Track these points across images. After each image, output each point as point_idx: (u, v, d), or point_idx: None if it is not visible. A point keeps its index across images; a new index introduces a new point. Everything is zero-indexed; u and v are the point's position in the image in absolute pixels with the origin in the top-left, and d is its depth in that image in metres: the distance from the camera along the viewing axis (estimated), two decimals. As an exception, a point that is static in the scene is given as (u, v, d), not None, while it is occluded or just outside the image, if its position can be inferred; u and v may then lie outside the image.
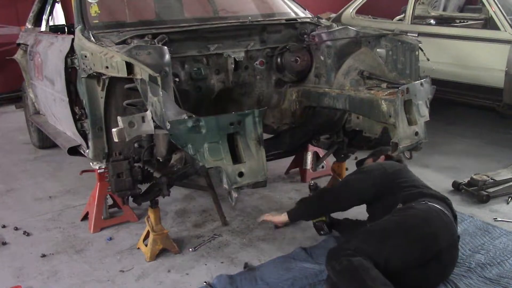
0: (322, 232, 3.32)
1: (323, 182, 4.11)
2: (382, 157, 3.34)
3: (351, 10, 6.49)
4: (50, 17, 4.77)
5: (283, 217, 3.27)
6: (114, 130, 2.51)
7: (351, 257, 2.50)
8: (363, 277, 2.42)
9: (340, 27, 3.43)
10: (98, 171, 3.49)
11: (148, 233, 3.25)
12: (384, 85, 3.08)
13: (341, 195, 3.13)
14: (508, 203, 3.81)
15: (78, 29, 3.18)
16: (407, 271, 2.58)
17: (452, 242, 2.72)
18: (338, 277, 2.54)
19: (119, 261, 3.21)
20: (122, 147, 3.00)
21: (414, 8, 5.86)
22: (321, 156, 4.36)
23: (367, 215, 3.14)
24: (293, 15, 3.80)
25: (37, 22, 5.02)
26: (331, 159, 3.99)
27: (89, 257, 3.27)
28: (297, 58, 3.40)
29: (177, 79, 3.04)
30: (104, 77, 2.88)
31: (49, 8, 4.70)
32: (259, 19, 3.53)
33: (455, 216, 2.87)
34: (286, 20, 3.63)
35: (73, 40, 3.16)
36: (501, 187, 3.91)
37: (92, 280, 3.02)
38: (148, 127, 2.53)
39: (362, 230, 2.82)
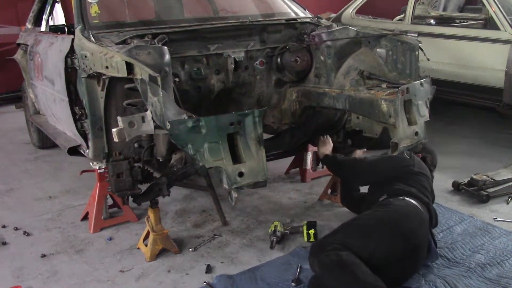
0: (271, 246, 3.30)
1: (323, 182, 4.11)
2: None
3: (351, 10, 6.49)
4: (50, 17, 4.77)
5: (322, 153, 3.48)
6: (114, 130, 2.51)
7: (339, 251, 2.52)
8: (355, 272, 2.44)
9: (340, 27, 3.43)
10: (98, 171, 3.49)
11: (148, 233, 3.25)
12: (384, 85, 3.08)
13: (363, 171, 3.27)
14: (508, 203, 3.81)
15: (78, 29, 3.18)
16: (388, 265, 2.60)
17: (427, 239, 2.79)
18: (326, 271, 2.54)
19: (119, 261, 3.21)
20: (122, 147, 3.00)
21: (414, 8, 5.86)
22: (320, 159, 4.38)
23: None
24: (293, 15, 3.80)
25: (37, 22, 5.02)
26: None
27: (89, 257, 3.27)
28: (297, 58, 3.40)
29: (177, 79, 3.04)
30: (104, 77, 2.88)
31: (49, 8, 4.69)
32: (259, 19, 3.53)
33: (435, 223, 3.01)
34: (286, 20, 3.63)
35: (73, 40, 3.17)
36: (501, 187, 3.91)
37: (92, 280, 3.01)
38: (148, 127, 2.53)
39: (345, 224, 2.86)
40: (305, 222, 3.39)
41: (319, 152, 3.53)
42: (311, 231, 3.32)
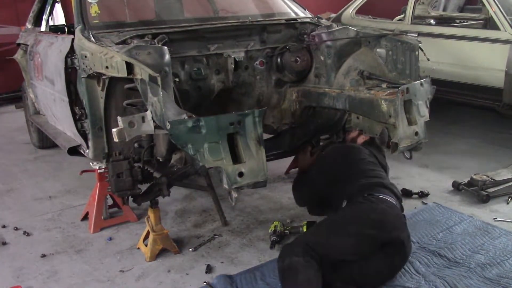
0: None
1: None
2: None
3: (351, 10, 6.49)
4: (50, 17, 4.77)
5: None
6: (114, 130, 2.51)
7: (295, 256, 2.57)
8: (295, 280, 2.51)
9: (340, 27, 3.43)
10: (98, 171, 3.49)
11: (148, 233, 3.25)
12: (384, 85, 3.08)
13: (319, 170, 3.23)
14: (508, 203, 3.81)
15: (78, 29, 3.18)
16: (370, 261, 2.63)
17: (407, 235, 2.79)
18: (279, 274, 2.65)
19: (119, 261, 3.21)
20: (122, 147, 3.00)
21: (414, 8, 5.86)
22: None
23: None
24: (293, 15, 3.80)
25: (37, 22, 5.02)
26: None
27: (89, 257, 3.27)
28: (297, 58, 3.40)
29: (177, 79, 3.04)
30: (104, 77, 2.88)
31: (49, 8, 4.69)
32: (259, 19, 3.53)
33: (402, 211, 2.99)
34: (286, 20, 3.63)
35: (73, 40, 3.17)
36: (501, 187, 3.91)
37: (92, 280, 3.02)
38: (148, 127, 2.53)
39: (316, 224, 2.92)
40: (305, 222, 3.39)
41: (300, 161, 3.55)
42: None
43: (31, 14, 5.16)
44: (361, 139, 3.35)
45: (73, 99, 3.26)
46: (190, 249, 3.29)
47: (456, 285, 2.75)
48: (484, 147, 5.17)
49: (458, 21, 6.43)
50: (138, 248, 3.33)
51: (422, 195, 3.95)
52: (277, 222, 3.41)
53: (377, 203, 2.78)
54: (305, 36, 3.47)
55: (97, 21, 3.32)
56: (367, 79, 3.21)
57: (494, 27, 4.99)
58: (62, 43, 3.38)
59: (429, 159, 4.67)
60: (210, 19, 3.65)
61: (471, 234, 3.33)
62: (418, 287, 2.77)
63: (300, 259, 2.55)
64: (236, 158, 2.37)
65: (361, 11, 6.60)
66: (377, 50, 3.36)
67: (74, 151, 3.55)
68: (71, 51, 3.16)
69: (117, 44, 2.91)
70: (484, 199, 3.81)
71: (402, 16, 6.34)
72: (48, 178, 4.77)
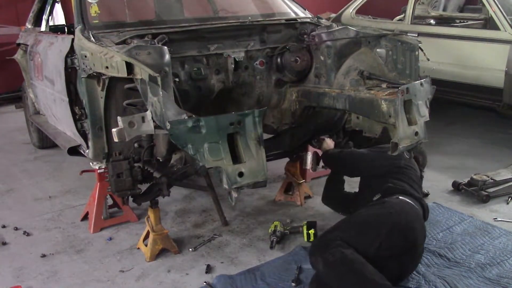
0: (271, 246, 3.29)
1: (322, 182, 4.10)
2: None
3: (351, 10, 6.49)
4: (50, 17, 4.77)
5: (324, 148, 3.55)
6: (114, 130, 2.51)
7: (343, 249, 2.51)
8: (361, 270, 2.44)
9: (340, 27, 3.42)
10: (98, 171, 3.49)
11: (148, 233, 3.25)
12: (384, 85, 3.08)
13: (359, 164, 3.31)
14: (508, 203, 3.81)
15: (78, 29, 3.18)
16: (386, 262, 2.61)
17: (424, 235, 2.82)
18: (331, 269, 2.52)
19: (119, 261, 3.21)
20: (122, 147, 3.00)
21: (414, 8, 5.86)
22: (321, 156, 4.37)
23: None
24: (293, 15, 3.79)
25: (37, 22, 5.02)
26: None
27: (89, 257, 3.27)
28: (297, 58, 3.40)
29: (177, 79, 3.04)
30: (104, 77, 2.87)
31: (49, 8, 4.69)
32: (259, 19, 3.53)
33: (426, 217, 3.01)
34: (286, 20, 3.63)
35: (73, 40, 3.16)
36: (501, 187, 3.91)
37: (92, 280, 3.02)
38: (148, 127, 2.53)
39: (342, 222, 2.86)
40: (305, 222, 3.40)
41: (322, 148, 3.58)
42: (311, 231, 3.32)
43: (31, 14, 5.15)
44: None
45: (73, 99, 3.25)
46: (190, 249, 3.29)
47: (456, 285, 2.75)
48: (484, 147, 5.17)
49: (458, 21, 6.43)
50: (138, 248, 3.33)
51: (423, 195, 3.95)
52: (277, 222, 3.41)
53: (409, 209, 2.80)
54: (305, 36, 3.47)
55: (97, 21, 3.31)
56: (367, 79, 3.21)
57: (494, 27, 4.99)
58: (62, 43, 3.38)
59: (429, 159, 4.66)
60: (210, 19, 3.64)
61: (471, 234, 3.33)
62: (418, 287, 2.77)
63: (349, 250, 2.51)
64: (236, 158, 2.37)
65: (361, 11, 6.60)
66: (377, 50, 3.35)
67: (74, 151, 3.55)
68: (71, 51, 3.16)
69: (117, 44, 2.91)
70: (484, 199, 3.81)
71: (402, 16, 6.34)
72: (48, 178, 4.77)
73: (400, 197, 2.88)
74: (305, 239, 3.33)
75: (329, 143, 3.59)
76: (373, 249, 2.57)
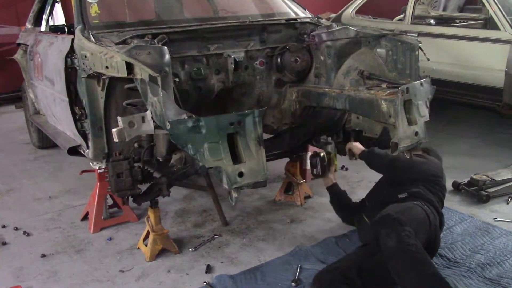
0: (314, 171, 3.35)
1: (322, 182, 4.10)
2: None
3: (351, 10, 6.49)
4: (50, 17, 4.77)
5: (358, 150, 3.37)
6: (114, 130, 2.51)
7: (415, 239, 2.45)
8: (434, 266, 2.43)
9: (340, 27, 3.42)
10: (98, 171, 3.49)
11: (148, 233, 3.25)
12: (384, 85, 3.08)
13: (401, 167, 3.15)
14: (508, 203, 3.81)
15: (78, 29, 3.18)
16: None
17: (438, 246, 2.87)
18: (405, 249, 2.41)
19: (119, 261, 3.21)
20: (122, 147, 3.00)
21: (414, 8, 5.86)
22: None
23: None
24: (293, 15, 3.79)
25: (37, 22, 5.02)
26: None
27: (89, 257, 3.27)
28: (297, 58, 3.40)
29: (177, 79, 3.03)
30: (104, 77, 2.87)
31: (49, 8, 4.69)
32: (259, 19, 3.53)
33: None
34: (286, 20, 3.63)
35: (73, 40, 3.16)
36: (501, 187, 3.91)
37: (92, 280, 3.02)
38: (148, 127, 2.53)
39: (398, 208, 2.75)
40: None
41: (355, 149, 3.43)
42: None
43: (31, 14, 5.15)
44: None
45: (73, 99, 3.25)
46: (190, 249, 3.29)
47: (456, 285, 2.75)
48: (484, 147, 5.17)
49: (458, 21, 6.43)
50: (138, 248, 3.33)
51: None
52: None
53: (434, 219, 2.81)
54: (305, 36, 3.47)
55: (97, 21, 3.31)
56: (367, 79, 3.21)
57: (494, 27, 4.99)
58: (62, 43, 3.38)
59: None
60: (210, 19, 3.64)
61: (471, 234, 3.33)
62: (418, 287, 2.77)
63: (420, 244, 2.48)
64: (236, 158, 2.37)
65: (361, 11, 6.60)
66: (377, 50, 3.35)
67: (74, 151, 3.55)
68: (71, 51, 3.16)
69: (117, 44, 2.91)
70: (484, 199, 3.81)
71: (402, 16, 6.34)
72: (48, 178, 4.77)
73: (425, 206, 2.86)
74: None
75: (358, 145, 3.47)
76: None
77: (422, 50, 3.15)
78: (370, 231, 2.73)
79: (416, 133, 2.81)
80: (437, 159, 3.28)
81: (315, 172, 3.54)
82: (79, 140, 3.40)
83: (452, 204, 3.83)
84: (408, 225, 2.51)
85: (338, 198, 3.54)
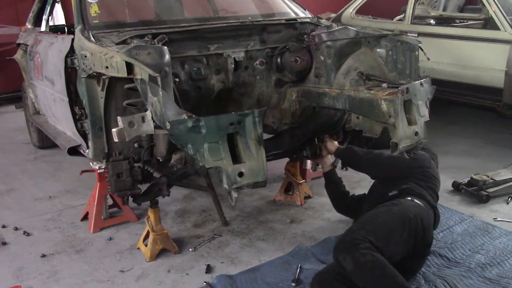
0: (304, 153, 3.49)
1: (322, 182, 4.10)
2: None
3: (351, 10, 6.49)
4: (50, 17, 4.76)
5: (334, 147, 3.45)
6: (114, 130, 2.51)
7: (373, 252, 2.47)
8: (394, 276, 2.42)
9: (340, 27, 3.42)
10: (98, 171, 3.49)
11: (148, 233, 3.25)
12: (384, 85, 3.08)
13: (383, 164, 3.20)
14: (508, 203, 3.81)
15: (78, 29, 3.18)
16: (400, 266, 2.58)
17: (432, 241, 2.85)
18: (361, 270, 2.45)
19: (119, 261, 3.22)
20: (122, 147, 3.00)
21: (414, 8, 5.86)
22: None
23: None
24: (293, 15, 3.79)
25: (37, 22, 5.02)
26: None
27: (89, 257, 3.27)
28: (297, 58, 3.39)
29: (177, 79, 3.04)
30: (104, 77, 2.87)
31: (49, 8, 4.69)
32: (259, 19, 3.53)
33: (436, 226, 3.01)
34: (286, 20, 3.63)
35: (73, 40, 3.16)
36: (501, 187, 3.91)
37: (92, 280, 3.02)
38: (148, 127, 2.53)
39: (365, 221, 2.78)
40: None
41: (329, 148, 3.49)
42: None
43: (31, 14, 5.15)
44: None
45: (73, 99, 3.25)
46: (190, 249, 3.29)
47: (456, 285, 2.75)
48: (484, 147, 5.17)
49: (458, 21, 6.43)
50: (138, 248, 3.33)
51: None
52: None
53: (426, 214, 2.81)
54: (305, 36, 3.47)
55: (97, 21, 3.31)
56: (367, 79, 3.21)
57: (494, 27, 4.99)
58: (62, 43, 3.38)
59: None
60: (210, 19, 3.64)
61: (471, 234, 3.33)
62: (418, 287, 2.77)
63: (378, 254, 2.47)
64: (236, 158, 2.37)
65: (361, 11, 6.60)
66: (377, 50, 3.35)
67: (74, 151, 3.55)
68: (71, 51, 3.16)
69: (117, 44, 2.91)
70: (484, 199, 3.81)
71: (402, 16, 6.34)
72: (48, 178, 4.77)
73: (415, 200, 2.86)
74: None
75: (333, 142, 3.52)
76: (395, 253, 2.57)
77: (422, 50, 3.15)
78: (334, 257, 2.70)
79: (416, 133, 2.81)
80: (431, 155, 3.29)
81: (304, 155, 3.59)
82: (79, 140, 3.40)
83: (452, 204, 3.83)
84: (366, 240, 2.51)
85: (333, 184, 3.54)
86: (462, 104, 5.54)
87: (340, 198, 3.54)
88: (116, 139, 2.53)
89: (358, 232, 2.63)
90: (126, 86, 2.82)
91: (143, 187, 3.09)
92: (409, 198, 2.88)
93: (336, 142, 3.52)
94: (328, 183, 3.58)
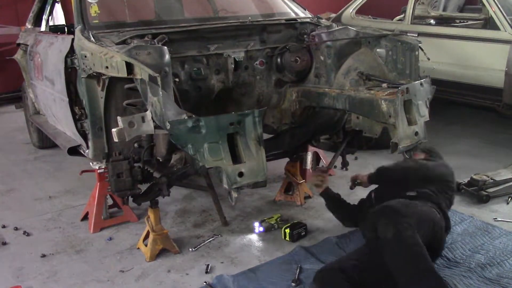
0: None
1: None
2: None
3: (351, 10, 6.49)
4: (50, 17, 4.76)
5: (364, 177, 3.32)
6: (114, 130, 2.51)
7: (415, 231, 2.43)
8: (429, 261, 2.41)
9: (340, 27, 3.43)
10: (98, 171, 3.49)
11: (148, 233, 3.25)
12: (384, 85, 3.08)
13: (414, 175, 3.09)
14: (508, 203, 3.81)
15: (78, 29, 3.18)
16: None
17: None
18: (401, 241, 2.40)
19: (119, 261, 3.21)
20: (122, 147, 3.00)
21: (414, 8, 5.86)
22: (321, 156, 4.38)
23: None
24: (293, 15, 3.79)
25: (37, 22, 5.02)
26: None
27: (89, 257, 3.27)
28: (297, 58, 3.40)
29: (177, 79, 3.04)
30: (104, 77, 2.88)
31: (49, 8, 4.69)
32: (259, 19, 3.53)
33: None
34: (286, 20, 3.63)
35: (73, 40, 3.16)
36: (501, 187, 3.91)
37: (92, 280, 3.02)
38: (148, 127, 2.53)
39: (402, 202, 2.73)
40: (292, 222, 3.46)
41: (362, 180, 3.36)
42: (287, 230, 3.35)
43: (31, 14, 5.15)
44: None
45: (73, 99, 3.26)
46: (190, 249, 3.29)
47: (456, 285, 2.75)
48: (484, 147, 5.17)
49: (458, 21, 6.43)
50: (138, 248, 3.33)
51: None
52: (277, 215, 3.51)
53: (440, 220, 2.81)
54: (305, 36, 3.47)
55: (97, 21, 3.31)
56: (367, 79, 3.21)
57: (494, 27, 4.99)
58: (62, 43, 3.38)
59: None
60: (210, 19, 3.65)
61: (471, 234, 3.33)
62: (418, 287, 2.77)
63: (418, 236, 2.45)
64: (236, 158, 2.37)
65: (361, 11, 6.60)
66: (377, 50, 3.35)
67: (74, 151, 3.55)
68: (71, 51, 3.16)
69: (117, 44, 2.91)
70: (484, 199, 3.81)
71: (402, 16, 6.34)
72: (48, 178, 4.77)
73: (432, 208, 2.84)
74: (282, 236, 3.38)
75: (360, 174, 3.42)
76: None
77: (422, 50, 3.15)
78: (369, 220, 2.71)
79: (416, 133, 2.81)
80: (437, 157, 3.28)
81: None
82: (79, 140, 3.40)
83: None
84: (408, 218, 2.49)
85: (333, 201, 3.46)
86: (462, 104, 5.54)
87: (345, 211, 3.43)
88: (116, 139, 2.53)
89: (401, 207, 2.60)
90: (126, 86, 2.83)
91: (143, 187, 3.09)
92: (428, 204, 2.84)
93: (363, 173, 3.40)
94: (327, 202, 3.48)
